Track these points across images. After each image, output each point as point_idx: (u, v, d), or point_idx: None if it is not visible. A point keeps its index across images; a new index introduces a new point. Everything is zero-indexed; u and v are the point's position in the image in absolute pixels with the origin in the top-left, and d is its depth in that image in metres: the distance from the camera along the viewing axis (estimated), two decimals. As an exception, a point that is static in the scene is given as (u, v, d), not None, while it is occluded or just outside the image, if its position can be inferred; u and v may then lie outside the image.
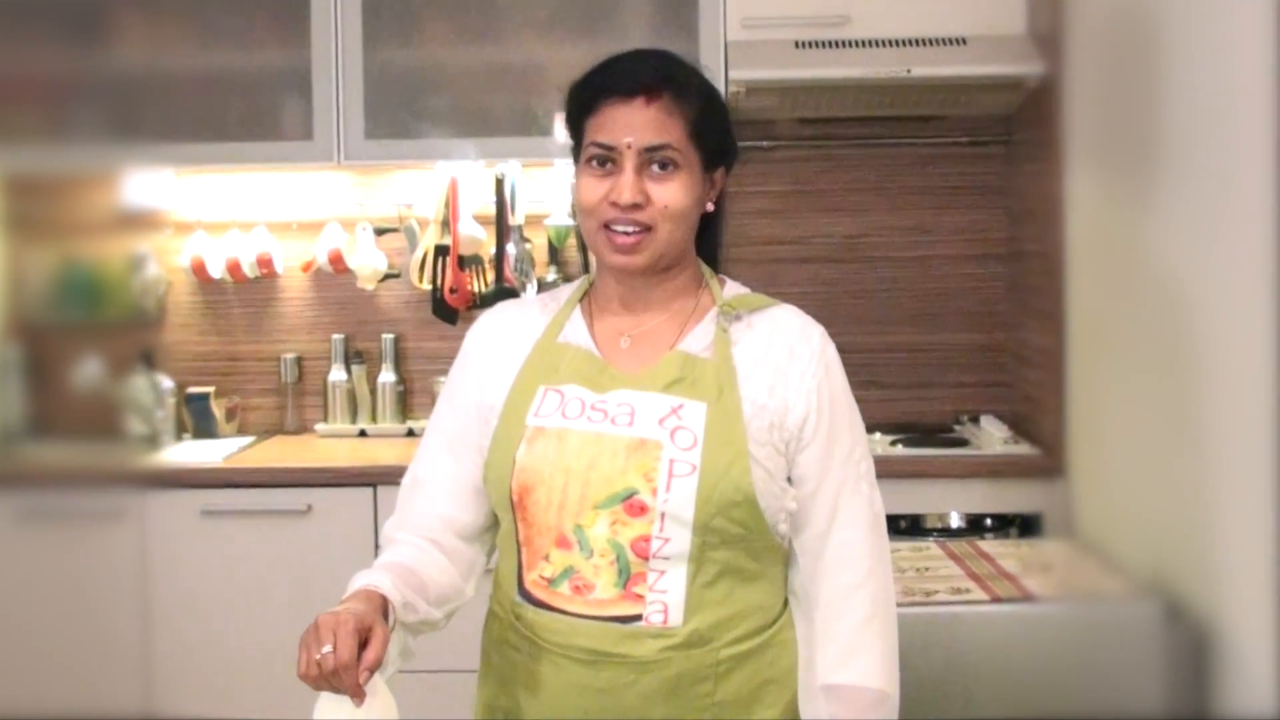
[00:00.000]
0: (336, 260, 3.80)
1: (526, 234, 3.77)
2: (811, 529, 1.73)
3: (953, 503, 3.32)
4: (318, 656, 1.51)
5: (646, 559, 1.67)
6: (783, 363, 1.73)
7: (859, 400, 1.79)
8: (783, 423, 1.71)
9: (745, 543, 1.70)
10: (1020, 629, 2.23)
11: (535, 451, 1.71)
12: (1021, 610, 2.26)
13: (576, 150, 1.76)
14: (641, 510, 1.67)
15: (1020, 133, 3.68)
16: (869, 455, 1.78)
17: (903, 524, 3.27)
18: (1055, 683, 2.18)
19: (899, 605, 1.76)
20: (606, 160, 1.71)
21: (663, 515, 1.66)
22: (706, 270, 1.82)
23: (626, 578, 1.67)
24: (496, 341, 1.82)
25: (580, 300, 1.83)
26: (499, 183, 3.70)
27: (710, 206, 1.78)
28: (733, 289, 1.81)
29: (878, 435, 3.52)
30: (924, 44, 3.44)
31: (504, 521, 1.76)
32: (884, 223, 3.87)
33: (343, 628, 1.52)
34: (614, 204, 1.70)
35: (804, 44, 3.46)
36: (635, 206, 1.69)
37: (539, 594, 1.71)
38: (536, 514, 1.71)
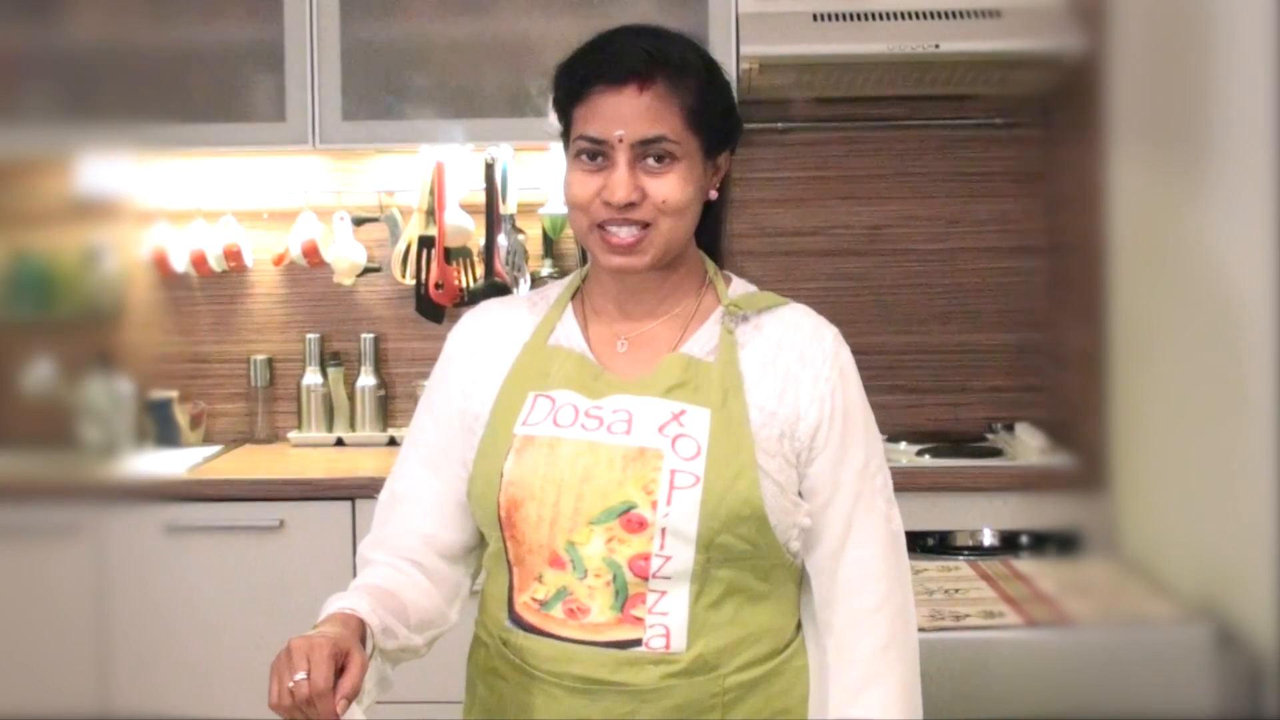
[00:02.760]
0: (311, 253, 3.80)
1: (519, 224, 3.78)
2: (823, 547, 1.74)
3: (985, 518, 3.31)
4: (290, 684, 1.52)
5: (646, 579, 1.68)
6: (793, 367, 1.74)
7: (882, 406, 1.80)
8: (793, 432, 1.72)
9: (753, 561, 1.71)
10: (1059, 656, 2.23)
11: (524, 463, 1.71)
12: (1060, 636, 2.26)
13: (566, 138, 1.76)
14: (640, 526, 1.67)
15: (1059, 113, 3.68)
16: (886, 469, 1.78)
17: (930, 541, 3.26)
18: (1096, 714, 2.18)
19: (925, 630, 1.77)
20: (597, 154, 1.71)
21: (663, 531, 1.67)
22: (711, 267, 1.83)
23: (624, 599, 1.68)
24: (481, 344, 1.83)
25: (572, 299, 1.83)
26: (489, 168, 3.71)
27: (714, 194, 1.78)
28: (739, 287, 1.82)
29: (903, 444, 3.53)
30: (954, 16, 3.44)
31: (491, 540, 1.77)
32: (909, 212, 3.87)
33: (317, 653, 1.53)
34: (607, 203, 1.70)
35: (822, 16, 3.46)
36: (630, 205, 1.69)
37: (530, 618, 1.72)
38: (526, 531, 1.71)
